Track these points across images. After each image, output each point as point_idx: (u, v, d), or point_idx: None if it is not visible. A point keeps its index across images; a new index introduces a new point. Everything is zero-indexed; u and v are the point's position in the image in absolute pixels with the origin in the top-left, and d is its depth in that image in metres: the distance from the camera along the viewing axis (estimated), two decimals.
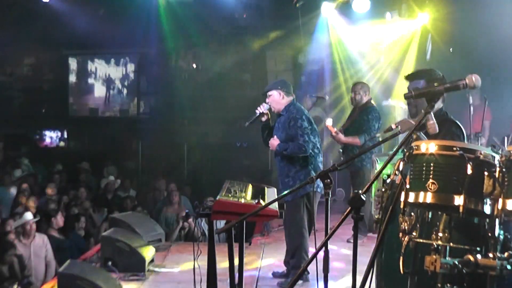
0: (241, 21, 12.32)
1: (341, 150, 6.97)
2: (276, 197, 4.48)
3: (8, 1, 12.18)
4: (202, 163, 12.45)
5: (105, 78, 14.33)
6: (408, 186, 2.62)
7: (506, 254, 2.53)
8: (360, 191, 2.42)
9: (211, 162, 12.34)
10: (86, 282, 4.75)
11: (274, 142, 5.34)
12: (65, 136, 14.79)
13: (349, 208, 2.44)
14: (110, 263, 5.75)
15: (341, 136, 6.67)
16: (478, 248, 2.63)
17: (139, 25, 11.90)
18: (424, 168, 2.57)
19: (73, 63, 14.52)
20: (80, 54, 14.43)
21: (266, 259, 6.23)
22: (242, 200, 4.13)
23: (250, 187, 4.65)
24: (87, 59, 14.47)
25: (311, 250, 5.24)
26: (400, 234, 2.76)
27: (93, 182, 11.31)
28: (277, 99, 5.41)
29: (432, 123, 2.73)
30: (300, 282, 5.12)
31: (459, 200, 2.49)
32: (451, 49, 9.64)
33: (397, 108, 8.54)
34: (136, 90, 14.35)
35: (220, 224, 6.42)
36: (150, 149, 12.86)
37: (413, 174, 2.62)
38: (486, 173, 2.54)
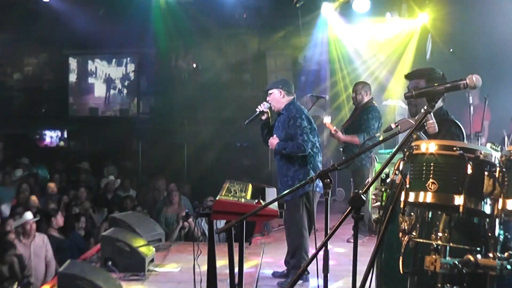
0: (241, 21, 12.31)
1: (341, 149, 6.98)
2: (276, 196, 4.48)
3: (8, 1, 12.18)
4: (202, 163, 12.44)
5: (105, 78, 14.32)
6: (408, 186, 2.62)
7: (506, 254, 2.53)
8: (360, 191, 2.42)
9: (211, 162, 12.33)
10: (86, 282, 4.75)
11: (274, 141, 5.35)
12: (65, 136, 14.78)
13: (349, 208, 2.44)
14: (110, 263, 5.75)
15: (340, 135, 6.72)
16: (478, 248, 2.63)
17: (139, 25, 11.89)
18: (424, 168, 2.57)
19: (73, 63, 14.51)
20: (80, 54, 14.41)
21: (266, 259, 6.24)
22: (242, 200, 4.13)
23: (250, 187, 4.65)
24: (87, 59, 14.46)
25: (311, 251, 5.24)
26: (400, 234, 2.76)
27: (93, 182, 11.31)
28: (277, 98, 5.41)
29: (432, 123, 2.73)
30: (300, 282, 5.13)
31: (459, 200, 2.49)
32: (451, 49, 9.64)
33: (397, 107, 8.54)
34: (136, 90, 14.33)
35: (220, 224, 6.41)
36: (150, 149, 12.85)
37: (413, 173, 2.62)
38: (486, 173, 2.54)
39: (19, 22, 12.72)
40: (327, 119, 6.87)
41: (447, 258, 2.59)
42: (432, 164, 2.55)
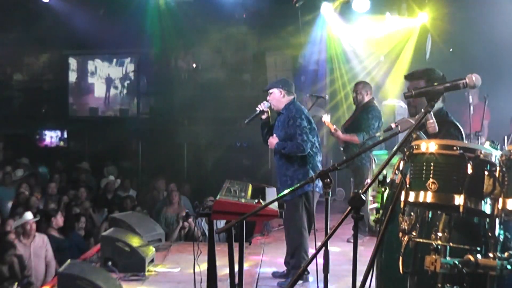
0: (241, 21, 12.31)
1: (342, 149, 6.99)
2: (276, 196, 4.48)
3: (9, 2, 12.18)
4: (202, 163, 12.44)
5: (105, 78, 14.32)
6: (408, 186, 2.62)
7: (506, 254, 2.53)
8: (360, 191, 2.42)
9: (211, 162, 12.33)
10: (86, 282, 4.75)
11: (273, 140, 5.35)
12: (65, 136, 14.78)
13: (349, 207, 2.44)
14: (110, 263, 5.75)
15: (340, 134, 6.75)
16: (478, 248, 2.63)
17: (139, 25, 11.89)
18: (424, 168, 2.57)
19: (73, 63, 14.50)
20: (80, 54, 14.40)
21: (266, 259, 6.23)
22: (242, 200, 4.13)
23: (250, 187, 4.65)
24: (87, 59, 14.45)
25: (311, 251, 5.24)
26: (400, 234, 2.76)
27: (93, 182, 11.32)
28: (277, 98, 5.41)
29: (432, 122, 2.73)
30: (300, 282, 5.12)
31: (459, 200, 2.49)
32: (451, 49, 9.64)
33: (397, 107, 8.55)
34: (136, 90, 14.33)
35: (220, 224, 6.41)
36: (150, 149, 12.85)
37: (413, 173, 2.62)
38: (486, 172, 2.54)
39: (19, 22, 12.72)
40: (326, 118, 6.88)
41: (447, 258, 2.59)
42: (432, 163, 2.55)
